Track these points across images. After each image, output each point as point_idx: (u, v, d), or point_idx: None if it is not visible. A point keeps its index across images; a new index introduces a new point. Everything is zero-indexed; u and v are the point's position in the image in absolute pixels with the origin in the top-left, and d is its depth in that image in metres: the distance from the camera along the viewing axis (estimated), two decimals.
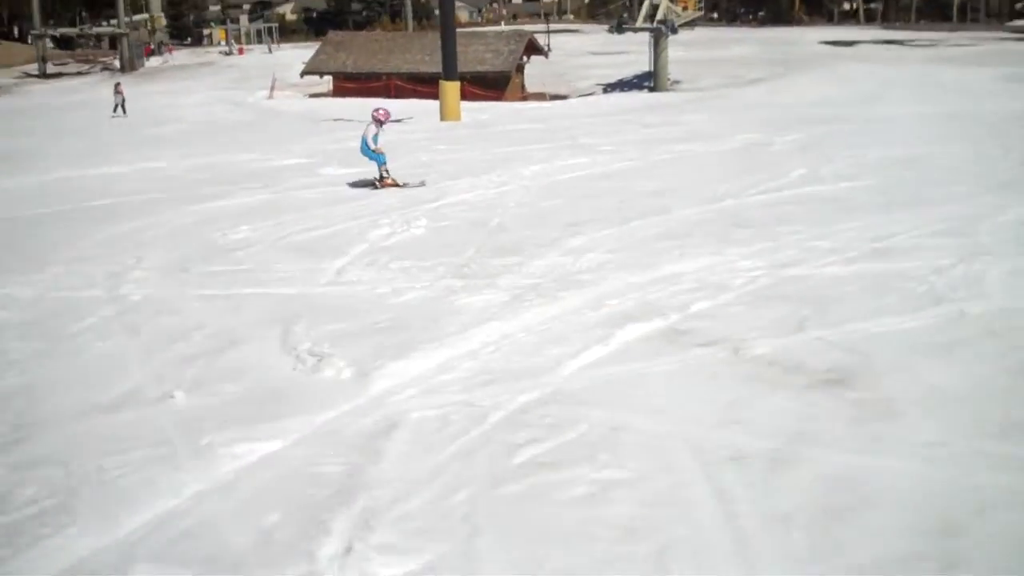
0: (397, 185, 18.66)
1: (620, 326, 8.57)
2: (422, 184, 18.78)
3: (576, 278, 10.52)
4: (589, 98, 48.33)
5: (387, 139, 28.58)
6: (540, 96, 50.42)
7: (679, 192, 16.31)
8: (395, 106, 41.08)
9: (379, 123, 18.73)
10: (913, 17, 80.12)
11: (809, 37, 68.10)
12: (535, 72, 55.24)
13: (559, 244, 12.43)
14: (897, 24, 77.54)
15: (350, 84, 48.33)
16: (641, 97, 46.31)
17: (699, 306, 9.18)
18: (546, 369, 7.58)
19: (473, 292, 10.18)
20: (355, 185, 18.96)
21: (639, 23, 49.75)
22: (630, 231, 13.17)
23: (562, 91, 52.90)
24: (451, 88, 36.41)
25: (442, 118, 35.91)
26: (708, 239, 12.30)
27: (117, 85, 44.13)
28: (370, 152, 18.69)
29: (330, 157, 24.20)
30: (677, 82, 50.63)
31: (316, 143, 28.53)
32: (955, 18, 76.58)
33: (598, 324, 8.75)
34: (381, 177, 18.74)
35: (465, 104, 38.06)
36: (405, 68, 48.13)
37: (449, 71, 36.65)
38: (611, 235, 12.92)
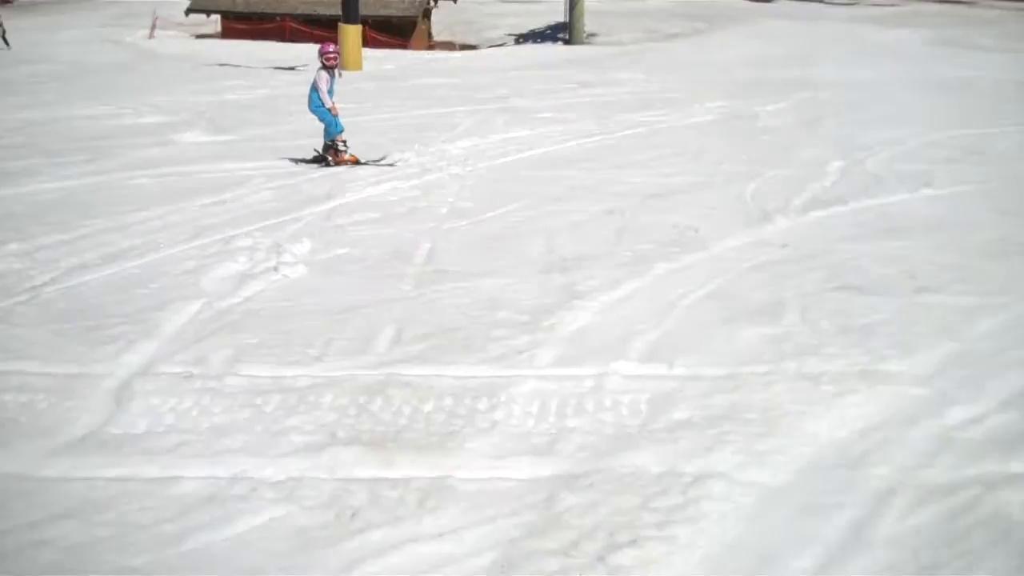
0: (358, 162, 12.45)
1: None
2: (384, 161, 12.59)
3: (630, 462, 4.39)
4: (501, 49, 41.87)
5: (278, 93, 22.09)
6: (448, 46, 43.71)
7: (694, 197, 10.29)
8: (293, 52, 34.39)
9: (330, 69, 12.50)
10: None
11: None
12: (441, 20, 48.52)
13: (548, 324, 6.28)
14: None
15: (241, 25, 40.94)
16: (558, 50, 39.98)
17: None
18: None
19: (406, 517, 3.98)
20: (299, 162, 12.55)
21: None
22: (660, 287, 7.09)
23: (471, 41, 46.30)
24: (352, 33, 29.73)
25: (341, 66, 29.25)
26: (819, 320, 6.29)
27: None
28: (323, 111, 12.40)
29: (198, 116, 17.59)
30: (593, 35, 44.37)
31: (187, 95, 21.74)
32: None
33: None
34: (335, 148, 12.40)
35: (367, 52, 31.41)
36: (302, 9, 40.85)
37: (350, 13, 29.96)
38: (632, 298, 6.85)
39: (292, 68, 29.64)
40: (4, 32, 37.62)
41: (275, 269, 7.62)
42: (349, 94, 20.78)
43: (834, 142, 13.73)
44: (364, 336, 6.12)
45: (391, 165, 12.34)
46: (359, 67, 29.23)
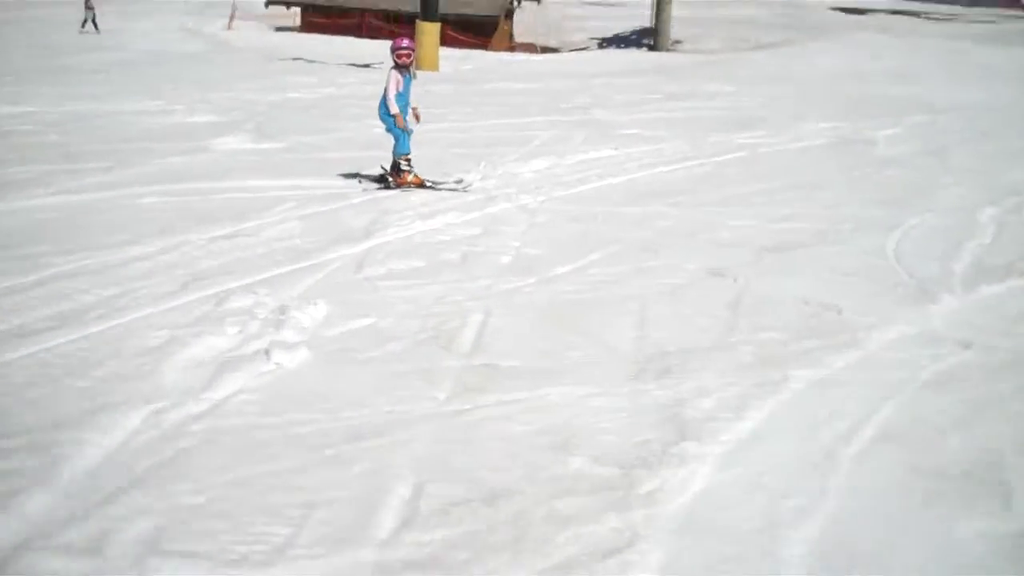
0: (422, 185, 10.16)
1: None
2: (459, 186, 10.34)
3: None
4: (584, 54, 39.46)
5: (344, 93, 19.96)
6: (530, 48, 41.37)
7: (821, 253, 7.87)
8: (370, 48, 32.27)
9: (403, 68, 10.06)
10: None
11: (817, 1, 58.31)
12: (523, 20, 46.22)
13: (646, 492, 3.96)
14: None
15: (320, 19, 39.03)
16: (643, 57, 37.46)
17: None
18: None
19: None
20: (361, 179, 10.47)
21: None
22: (805, 416, 4.72)
23: (552, 44, 43.91)
24: (430, 31, 27.60)
25: (417, 66, 27.12)
26: None
27: (87, 0, 36.60)
28: (389, 119, 10.08)
29: (248, 116, 15.54)
30: (678, 42, 41.77)
31: (249, 91, 19.74)
32: None
33: None
34: (398, 169, 10.16)
35: (445, 51, 29.27)
36: (382, 4, 38.84)
37: (429, 10, 27.80)
38: (768, 436, 4.49)
39: (367, 65, 27.64)
40: (95, 17, 37.11)
41: (267, 353, 5.37)
42: (420, 98, 18.58)
43: (974, 180, 11.20)
44: (363, 501, 3.85)
45: (462, 191, 10.08)
46: (435, 67, 27.11)
